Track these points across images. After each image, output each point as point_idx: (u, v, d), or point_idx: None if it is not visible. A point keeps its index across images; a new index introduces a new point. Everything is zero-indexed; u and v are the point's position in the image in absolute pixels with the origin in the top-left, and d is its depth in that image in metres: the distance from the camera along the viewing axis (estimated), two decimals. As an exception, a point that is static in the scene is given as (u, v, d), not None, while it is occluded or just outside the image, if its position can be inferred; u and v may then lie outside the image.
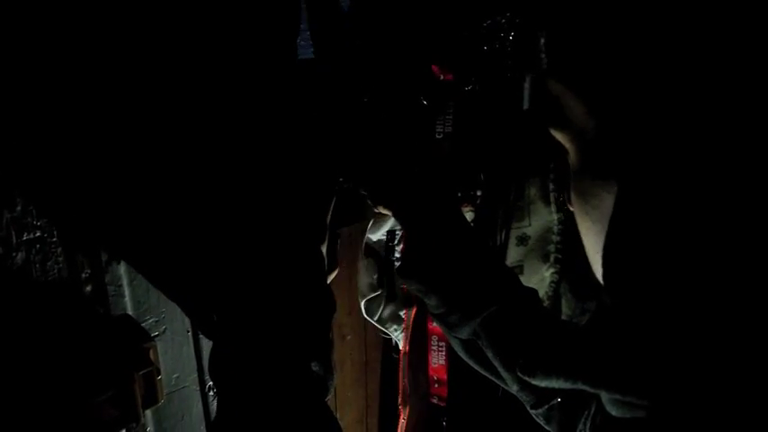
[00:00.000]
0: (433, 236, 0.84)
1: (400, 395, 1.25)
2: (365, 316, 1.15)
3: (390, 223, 1.12)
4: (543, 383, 0.64)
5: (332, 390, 0.80)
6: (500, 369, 0.78)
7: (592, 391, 0.58)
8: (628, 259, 0.56)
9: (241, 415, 0.70)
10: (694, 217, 0.51)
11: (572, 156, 0.62)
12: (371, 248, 1.14)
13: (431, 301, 0.82)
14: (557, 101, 0.61)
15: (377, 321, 1.17)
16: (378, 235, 1.14)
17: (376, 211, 1.01)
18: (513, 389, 0.79)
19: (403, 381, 1.24)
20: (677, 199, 0.52)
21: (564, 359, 0.62)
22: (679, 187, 0.51)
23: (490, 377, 0.83)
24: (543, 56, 0.68)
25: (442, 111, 1.12)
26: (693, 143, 0.51)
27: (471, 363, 0.85)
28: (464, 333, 0.79)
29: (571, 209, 0.65)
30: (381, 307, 1.17)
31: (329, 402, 0.80)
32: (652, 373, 0.53)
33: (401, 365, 1.23)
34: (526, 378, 0.67)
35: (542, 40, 0.69)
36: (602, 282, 0.61)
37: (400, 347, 1.22)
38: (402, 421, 1.26)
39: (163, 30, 0.81)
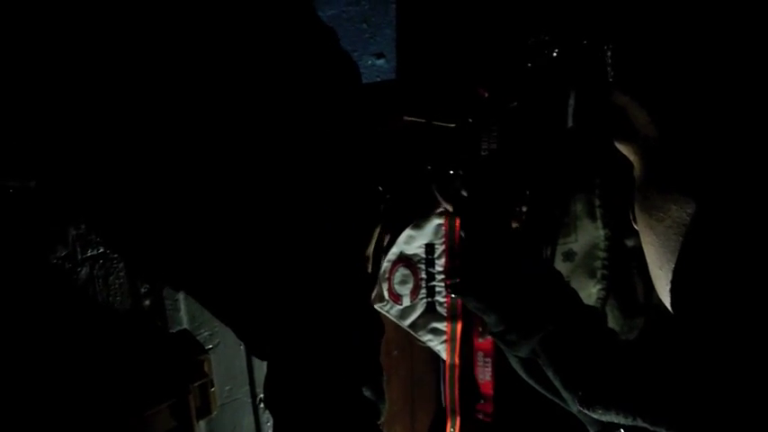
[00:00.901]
0: (492, 253, 0.85)
1: (447, 405, 1.26)
2: (389, 315, 1.16)
3: (426, 236, 1.13)
4: (603, 418, 0.63)
5: (384, 414, 0.81)
6: (560, 389, 0.77)
7: (651, 428, 0.57)
8: (703, 281, 0.55)
9: None
10: None
11: (637, 168, 0.61)
12: (408, 260, 1.15)
13: (489, 319, 0.82)
14: (622, 112, 0.61)
15: (409, 327, 1.17)
16: (413, 248, 1.15)
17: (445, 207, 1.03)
18: (574, 409, 0.78)
19: (451, 392, 1.25)
20: (758, 215, 0.50)
21: (623, 394, 0.61)
22: (758, 201, 0.50)
23: (551, 397, 0.82)
24: (609, 69, 0.68)
25: (487, 128, 1.13)
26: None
27: (531, 382, 0.84)
28: (523, 351, 0.79)
29: (635, 226, 0.64)
30: (417, 314, 1.18)
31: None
32: (714, 413, 0.52)
33: (447, 377, 1.24)
34: (585, 411, 0.66)
35: (609, 53, 0.69)
36: (665, 302, 0.60)
37: (444, 359, 1.22)
38: (450, 430, 1.27)
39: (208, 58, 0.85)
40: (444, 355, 1.22)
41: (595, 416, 0.64)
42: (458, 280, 1.12)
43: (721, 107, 0.52)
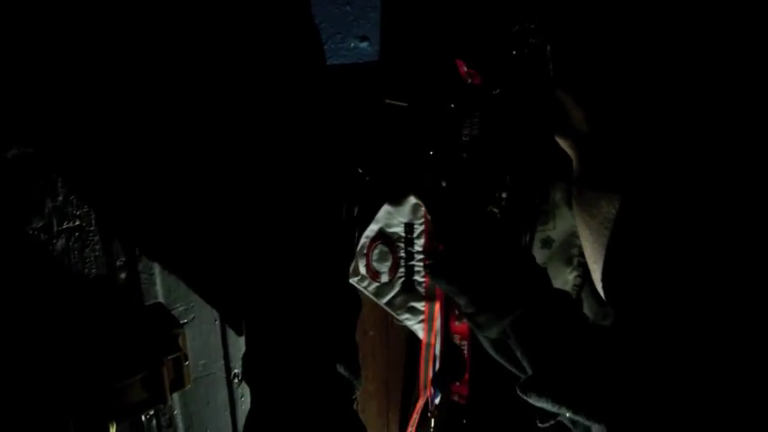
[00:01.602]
0: (464, 237, 0.86)
1: (420, 382, 1.27)
2: (366, 292, 1.17)
3: (405, 214, 1.13)
4: (536, 404, 0.66)
5: (359, 390, 0.83)
6: (528, 369, 0.79)
7: (574, 417, 0.59)
8: (628, 277, 0.56)
9: (271, 417, 0.74)
10: (696, 230, 0.51)
11: (574, 163, 0.63)
12: (387, 237, 1.15)
13: (461, 301, 0.83)
14: (561, 108, 0.62)
15: (386, 304, 1.18)
16: (393, 225, 1.15)
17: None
18: None
19: (425, 370, 1.26)
20: (679, 213, 0.52)
21: (556, 386, 0.63)
22: (680, 201, 0.52)
23: (519, 375, 0.84)
24: (550, 65, 0.69)
25: (469, 114, 1.14)
26: (691, 154, 0.51)
27: (501, 360, 0.86)
28: (493, 333, 0.80)
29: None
30: (394, 292, 1.19)
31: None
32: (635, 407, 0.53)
33: (422, 355, 1.25)
34: (522, 396, 0.69)
35: (548, 50, 0.70)
36: (602, 294, 0.61)
37: (421, 338, 1.24)
38: (420, 404, 1.29)
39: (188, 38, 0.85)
40: (421, 335, 1.23)
41: (530, 401, 0.66)
42: (430, 262, 1.13)
43: (648, 111, 0.54)
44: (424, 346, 1.24)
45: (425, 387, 1.28)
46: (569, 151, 0.64)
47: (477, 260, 0.82)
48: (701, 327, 0.51)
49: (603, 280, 0.60)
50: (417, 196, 1.07)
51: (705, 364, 0.50)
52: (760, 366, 0.48)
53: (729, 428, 0.49)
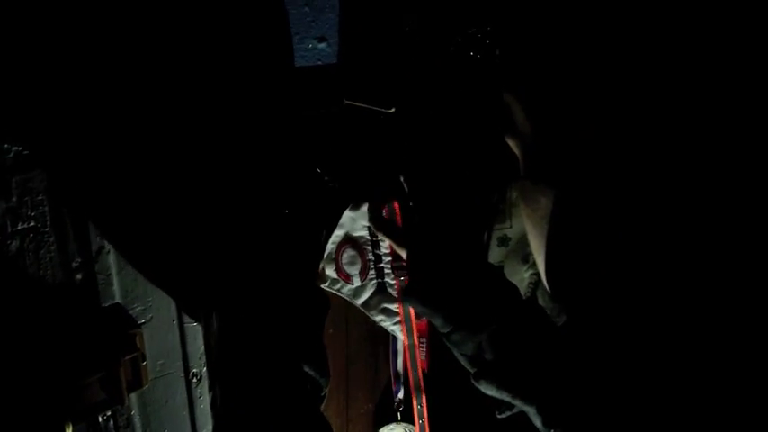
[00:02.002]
0: (433, 258, 0.87)
1: (411, 384, 1.28)
2: (342, 294, 1.19)
3: (367, 218, 1.15)
4: (487, 391, 0.68)
5: (326, 389, 0.84)
6: None
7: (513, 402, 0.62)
8: (566, 269, 0.59)
9: (240, 417, 0.75)
10: (630, 224, 0.54)
11: (519, 161, 0.66)
12: (353, 241, 1.17)
13: (436, 321, 0.84)
14: (507, 108, 0.65)
15: (362, 305, 1.20)
16: (357, 229, 1.17)
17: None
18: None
19: (414, 371, 1.28)
20: (612, 207, 0.55)
21: (500, 373, 0.66)
22: (612, 196, 0.54)
23: None
24: (499, 68, 0.72)
25: (427, 118, 1.15)
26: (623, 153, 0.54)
27: None
28: (469, 349, 0.82)
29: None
30: (368, 294, 1.21)
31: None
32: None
33: (407, 356, 1.27)
34: (474, 383, 0.71)
35: (497, 53, 0.73)
36: (546, 286, 0.64)
37: (401, 339, 1.26)
38: (418, 408, 1.30)
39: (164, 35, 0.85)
40: (400, 335, 1.25)
41: (481, 388, 0.68)
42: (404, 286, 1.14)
43: (583, 113, 0.57)
44: (407, 348, 1.26)
45: (417, 388, 1.29)
46: (515, 150, 0.67)
47: (447, 280, 0.84)
48: (633, 317, 0.54)
49: (546, 271, 0.63)
50: (374, 228, 1.09)
51: (644, 355, 0.53)
52: (685, 347, 0.51)
53: (658, 412, 0.51)
